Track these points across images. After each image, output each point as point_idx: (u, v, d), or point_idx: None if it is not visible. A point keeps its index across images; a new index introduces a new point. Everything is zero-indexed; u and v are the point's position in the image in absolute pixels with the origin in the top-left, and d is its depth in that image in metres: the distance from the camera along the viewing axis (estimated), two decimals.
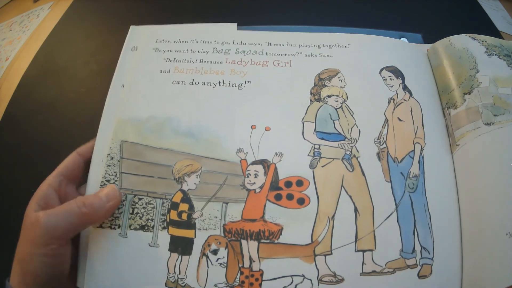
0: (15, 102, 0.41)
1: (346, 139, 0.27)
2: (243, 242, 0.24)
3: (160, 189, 0.25)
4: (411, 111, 0.29)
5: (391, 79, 0.29)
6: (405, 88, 0.29)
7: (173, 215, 0.25)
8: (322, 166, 0.26)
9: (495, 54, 0.33)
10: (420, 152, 0.27)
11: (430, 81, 0.31)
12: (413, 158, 0.27)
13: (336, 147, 0.26)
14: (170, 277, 0.24)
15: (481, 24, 0.47)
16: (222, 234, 0.24)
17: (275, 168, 0.25)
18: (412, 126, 0.28)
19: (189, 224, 0.25)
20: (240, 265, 0.24)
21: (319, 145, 0.26)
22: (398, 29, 0.37)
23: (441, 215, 0.26)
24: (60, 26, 0.48)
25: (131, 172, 0.26)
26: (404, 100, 0.29)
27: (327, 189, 0.25)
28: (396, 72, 0.29)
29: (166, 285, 0.24)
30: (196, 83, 0.27)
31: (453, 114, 0.30)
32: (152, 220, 0.25)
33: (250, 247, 0.24)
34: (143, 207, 0.25)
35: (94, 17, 0.51)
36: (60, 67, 0.43)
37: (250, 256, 0.24)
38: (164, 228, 0.25)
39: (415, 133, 0.28)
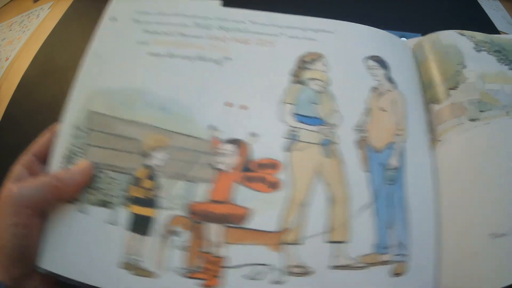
0: (15, 102, 0.39)
1: (326, 124, 0.24)
2: (208, 225, 0.21)
3: (126, 163, 0.22)
4: (394, 102, 0.26)
5: (375, 69, 0.27)
6: (389, 79, 0.27)
7: (136, 191, 0.22)
8: (298, 150, 0.23)
9: (484, 50, 0.31)
10: (401, 145, 0.25)
11: (414, 75, 0.28)
12: (393, 149, 0.25)
13: (315, 131, 0.24)
14: (128, 258, 0.21)
15: (481, 24, 0.45)
16: (186, 215, 0.22)
17: (249, 149, 0.23)
18: (395, 117, 0.25)
19: (152, 203, 0.22)
20: (203, 250, 0.21)
21: (297, 128, 0.24)
22: (398, 29, 0.35)
23: (419, 212, 0.24)
24: (60, 26, 0.46)
25: (97, 145, 0.23)
26: (388, 90, 0.26)
27: (302, 175, 0.23)
28: (381, 62, 0.27)
29: (122, 267, 0.21)
30: (174, 56, 0.25)
31: (437, 109, 0.27)
32: (113, 196, 0.22)
33: (215, 231, 0.21)
34: (106, 182, 0.22)
35: (94, 17, 0.49)
36: (60, 67, 0.41)
37: (214, 241, 0.21)
38: (125, 205, 0.22)
39: (397, 125, 0.25)
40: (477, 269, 0.24)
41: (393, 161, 0.24)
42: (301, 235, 0.22)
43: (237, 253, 0.21)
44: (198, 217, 0.22)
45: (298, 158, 0.23)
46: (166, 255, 0.21)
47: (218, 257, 0.21)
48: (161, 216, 0.22)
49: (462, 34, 0.31)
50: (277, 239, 0.21)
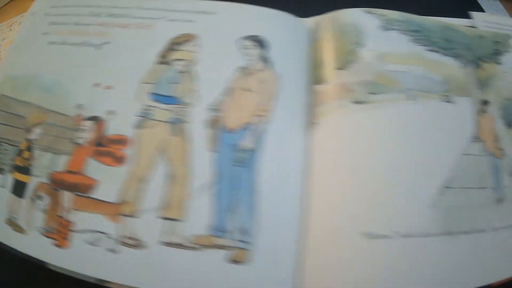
0: None
1: (181, 103, 0.23)
2: (62, 192, 0.23)
3: (15, 137, 0.25)
4: (264, 82, 0.24)
5: (251, 49, 0.24)
6: (264, 59, 0.24)
7: (18, 161, 0.25)
8: (148, 128, 0.23)
9: (396, 29, 0.27)
10: (261, 126, 0.23)
11: (302, 55, 0.25)
12: (249, 130, 0.22)
13: (167, 110, 0.23)
14: (10, 216, 0.24)
15: None
16: (48, 183, 0.24)
17: (104, 125, 0.23)
18: (259, 98, 0.23)
19: (27, 170, 0.24)
20: (58, 214, 0.23)
21: (151, 106, 0.23)
22: None
23: (278, 199, 0.21)
24: None
25: (0, 122, 0.27)
26: (259, 70, 0.24)
27: (147, 151, 0.23)
28: (260, 42, 0.25)
29: (6, 222, 0.24)
30: (66, 43, 0.27)
31: (319, 90, 0.24)
32: (5, 164, 0.25)
33: (66, 198, 0.23)
34: (1, 152, 0.26)
35: None
36: None
37: (66, 206, 0.23)
38: (11, 172, 0.25)
39: (261, 105, 0.23)
40: (344, 272, 0.20)
41: (247, 142, 0.22)
42: (138, 209, 0.22)
43: (82, 219, 0.22)
44: (56, 185, 0.23)
45: (145, 135, 0.23)
46: (33, 215, 0.24)
47: (68, 221, 0.23)
48: (32, 183, 0.24)
49: (368, 12, 0.27)
50: (115, 210, 0.22)
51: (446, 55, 0.29)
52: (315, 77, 0.25)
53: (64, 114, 0.25)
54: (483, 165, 0.27)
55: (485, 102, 0.29)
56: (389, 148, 0.23)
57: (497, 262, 0.23)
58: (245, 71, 0.24)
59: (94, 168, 0.23)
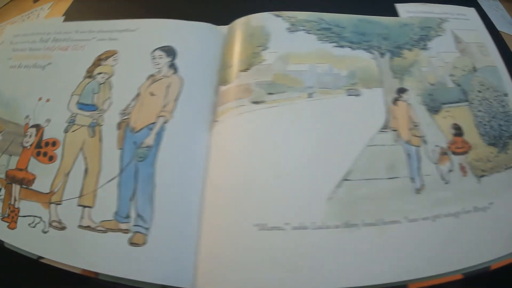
0: None
1: (98, 110, 0.27)
2: (13, 185, 0.28)
3: None
4: (168, 86, 0.27)
5: (160, 58, 0.28)
6: (171, 66, 0.27)
7: None
8: (72, 131, 0.27)
9: (303, 30, 0.28)
10: (163, 126, 0.26)
11: (214, 60, 0.28)
12: (151, 130, 0.25)
13: (87, 116, 0.28)
14: None
15: None
16: (4, 178, 0.29)
17: (43, 131, 0.28)
18: (162, 100, 0.26)
19: None
20: (9, 202, 0.28)
21: (76, 114, 0.28)
22: None
23: (173, 190, 0.25)
24: None
25: None
26: (165, 76, 0.27)
27: (70, 150, 0.27)
28: (169, 51, 0.28)
29: None
30: (22, 66, 0.32)
31: (222, 90, 0.26)
32: None
33: (15, 190, 0.28)
34: None
35: (93, 17, 0.45)
36: None
37: (15, 196, 0.28)
38: None
39: (164, 107, 0.26)
40: (239, 261, 0.22)
41: (148, 140, 0.25)
42: (62, 198, 0.26)
43: (25, 206, 0.27)
44: (9, 179, 0.29)
45: (70, 137, 0.27)
46: None
47: (16, 208, 0.28)
48: None
49: (278, 16, 0.28)
50: (47, 198, 0.26)
51: (356, 48, 0.29)
52: (221, 78, 0.27)
53: (17, 124, 0.30)
54: (395, 154, 0.26)
55: (401, 90, 0.28)
56: (284, 145, 0.24)
57: (417, 257, 0.22)
58: (151, 78, 0.28)
59: (34, 166, 0.28)
